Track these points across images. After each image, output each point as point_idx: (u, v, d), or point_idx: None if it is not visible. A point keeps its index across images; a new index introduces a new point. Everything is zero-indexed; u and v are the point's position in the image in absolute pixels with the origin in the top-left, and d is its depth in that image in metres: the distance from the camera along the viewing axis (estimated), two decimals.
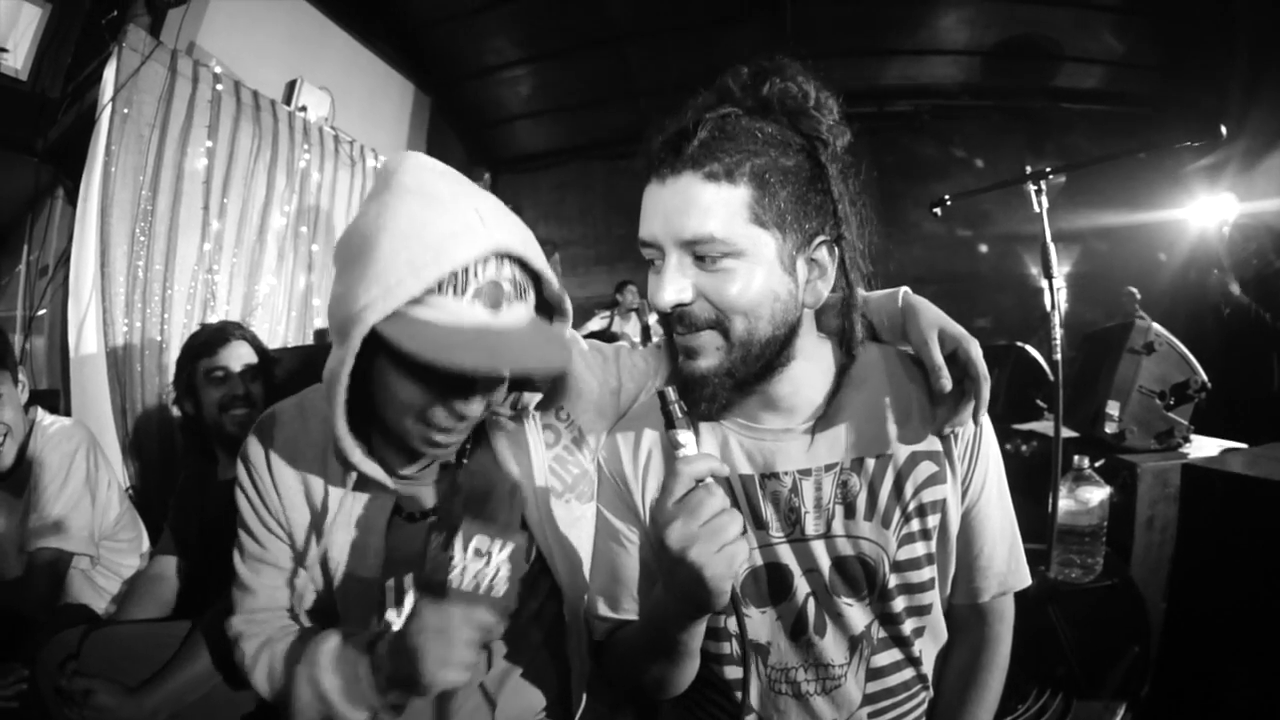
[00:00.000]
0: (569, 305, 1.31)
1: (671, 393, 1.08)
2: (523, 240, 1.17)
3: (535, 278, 1.23)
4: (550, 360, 1.21)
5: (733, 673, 1.33)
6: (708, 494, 1.00)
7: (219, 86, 4.30)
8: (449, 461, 1.39)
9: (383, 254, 1.07)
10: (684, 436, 1.06)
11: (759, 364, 1.20)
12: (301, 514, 1.34)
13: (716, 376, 1.19)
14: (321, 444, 1.34)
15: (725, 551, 0.97)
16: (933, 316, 1.33)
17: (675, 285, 1.14)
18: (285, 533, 1.36)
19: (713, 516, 0.98)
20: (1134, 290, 7.94)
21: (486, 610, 1.08)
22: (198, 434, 2.58)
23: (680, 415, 1.07)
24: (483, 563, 1.06)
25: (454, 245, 1.08)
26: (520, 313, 1.18)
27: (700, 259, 1.13)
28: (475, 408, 1.20)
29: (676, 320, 1.18)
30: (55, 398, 3.85)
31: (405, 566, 1.36)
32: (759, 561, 1.31)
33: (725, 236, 1.10)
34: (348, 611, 1.36)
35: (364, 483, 1.31)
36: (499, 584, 1.08)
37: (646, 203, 1.18)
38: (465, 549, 1.05)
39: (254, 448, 1.36)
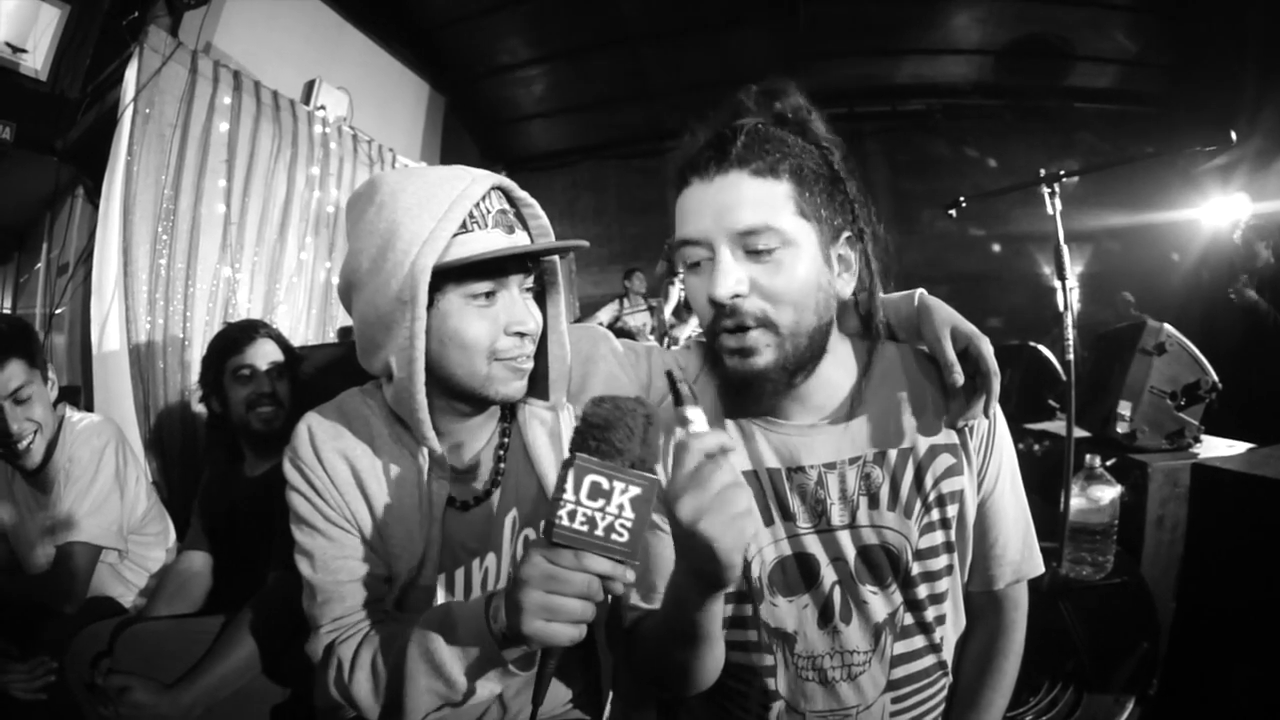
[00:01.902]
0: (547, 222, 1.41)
1: (678, 371, 1.09)
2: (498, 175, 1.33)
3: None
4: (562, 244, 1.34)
5: (760, 660, 1.36)
6: (716, 467, 0.98)
7: (239, 87, 4.33)
8: (499, 454, 1.45)
9: (407, 227, 1.21)
10: (692, 413, 1.04)
11: (809, 354, 1.24)
12: (360, 507, 1.35)
13: (774, 372, 1.22)
14: (369, 441, 1.38)
15: (736, 524, 0.96)
16: (946, 315, 1.38)
17: (734, 276, 1.17)
18: (354, 526, 1.36)
19: (722, 489, 0.97)
20: (1128, 295, 8.00)
21: (600, 557, 0.97)
22: (224, 431, 2.61)
23: (688, 393, 1.06)
24: (600, 503, 0.96)
25: (463, 188, 1.25)
26: (524, 235, 1.35)
27: (751, 251, 1.18)
28: (530, 324, 1.31)
29: (727, 315, 1.21)
30: (76, 394, 3.90)
31: (462, 554, 1.40)
32: (787, 552, 1.34)
33: (777, 226, 1.16)
34: (404, 605, 1.38)
35: (415, 475, 1.37)
36: (618, 528, 0.96)
37: (690, 203, 1.22)
38: (579, 487, 0.95)
39: (303, 447, 1.37)
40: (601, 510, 0.96)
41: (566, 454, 1.00)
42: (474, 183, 1.26)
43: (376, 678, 1.24)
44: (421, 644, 1.18)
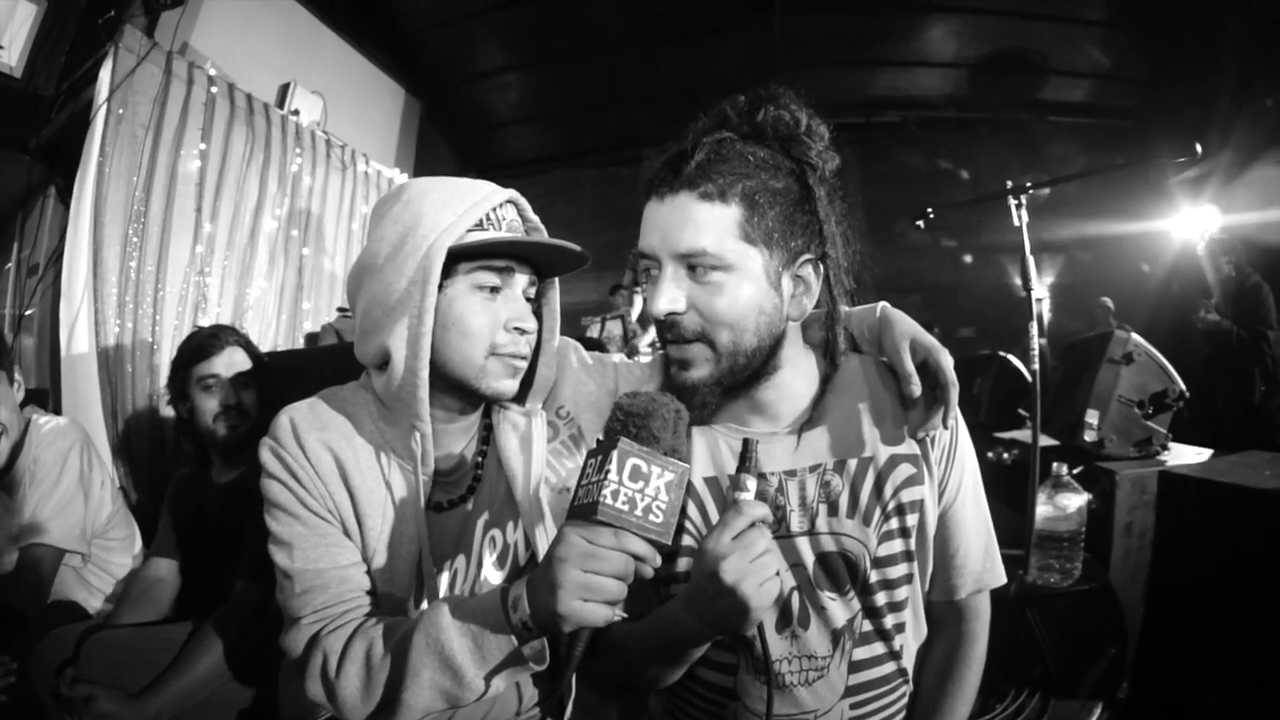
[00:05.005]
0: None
1: (756, 443, 1.11)
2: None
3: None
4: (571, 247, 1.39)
5: (717, 662, 1.37)
6: (760, 534, 1.06)
7: (213, 89, 4.31)
8: (477, 460, 1.47)
9: (430, 217, 1.29)
10: (750, 483, 1.09)
11: (746, 373, 1.28)
12: (344, 499, 1.32)
13: (706, 386, 1.27)
14: (354, 435, 1.36)
15: (766, 586, 1.04)
16: (906, 328, 1.41)
17: (669, 295, 1.23)
18: (335, 518, 1.32)
19: (760, 554, 1.04)
20: (1107, 300, 8.08)
21: (638, 537, 1.01)
22: (192, 436, 2.58)
23: (755, 464, 1.10)
24: (640, 485, 1.00)
25: (485, 194, 1.35)
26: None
27: (693, 271, 1.22)
28: (531, 322, 1.38)
29: (668, 329, 1.26)
30: (44, 397, 3.86)
31: (437, 555, 1.38)
32: None
33: (716, 251, 1.19)
34: (379, 604, 1.34)
35: (401, 474, 1.36)
36: (655, 510, 1.01)
37: (646, 218, 1.28)
38: (621, 469, 0.99)
39: (285, 435, 1.33)
40: (641, 492, 1.00)
41: (598, 440, 1.08)
42: (494, 192, 1.36)
43: (370, 672, 1.17)
44: (430, 634, 1.12)
